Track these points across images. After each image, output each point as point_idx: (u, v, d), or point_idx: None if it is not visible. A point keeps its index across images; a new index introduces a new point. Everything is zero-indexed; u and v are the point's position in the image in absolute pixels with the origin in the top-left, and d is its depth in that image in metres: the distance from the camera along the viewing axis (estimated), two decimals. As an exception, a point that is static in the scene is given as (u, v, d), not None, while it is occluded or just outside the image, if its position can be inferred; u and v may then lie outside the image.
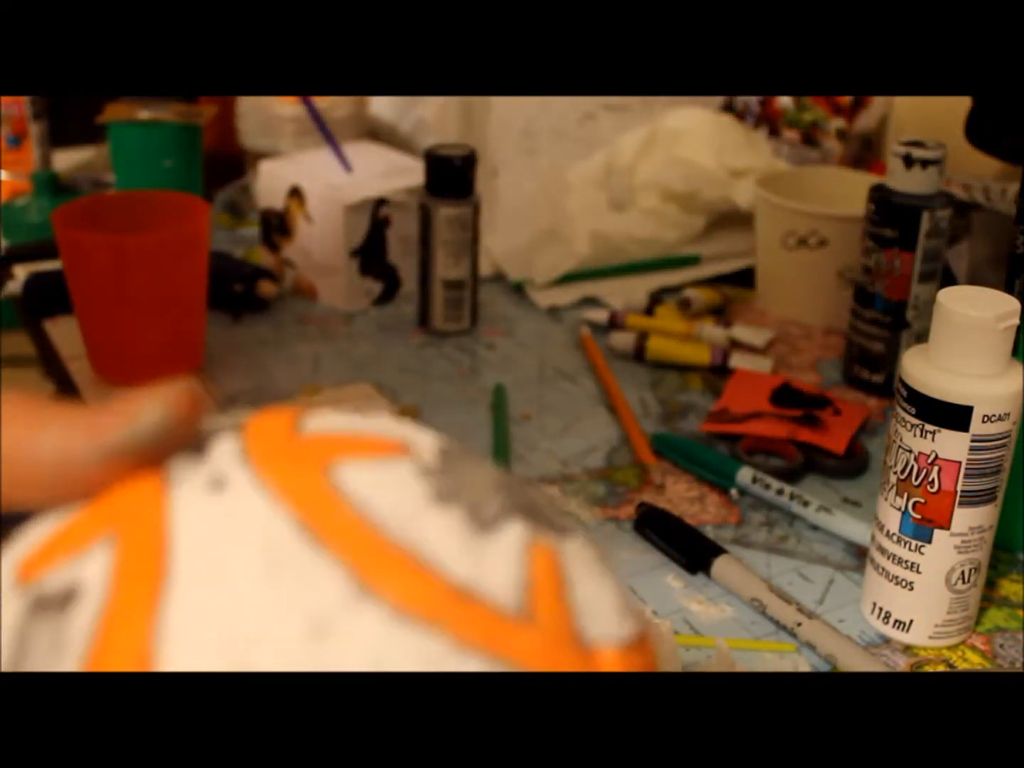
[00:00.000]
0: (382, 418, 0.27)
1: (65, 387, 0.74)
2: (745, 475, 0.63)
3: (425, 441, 0.26)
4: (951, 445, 0.48)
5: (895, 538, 0.51)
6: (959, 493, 0.49)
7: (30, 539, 0.24)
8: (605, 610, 0.24)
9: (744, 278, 0.91)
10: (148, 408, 0.24)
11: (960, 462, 0.49)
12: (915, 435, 0.49)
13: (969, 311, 0.48)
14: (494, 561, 0.23)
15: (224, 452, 0.24)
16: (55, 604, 0.22)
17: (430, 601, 0.22)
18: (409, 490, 0.24)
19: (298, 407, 0.26)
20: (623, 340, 0.79)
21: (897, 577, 0.51)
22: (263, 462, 0.24)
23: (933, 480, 0.49)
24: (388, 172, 0.87)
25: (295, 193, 0.85)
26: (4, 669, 0.21)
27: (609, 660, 0.23)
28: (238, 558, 0.22)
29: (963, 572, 0.51)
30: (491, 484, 0.25)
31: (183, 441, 0.24)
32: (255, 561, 0.22)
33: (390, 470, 0.24)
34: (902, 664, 0.51)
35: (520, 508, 0.25)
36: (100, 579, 0.22)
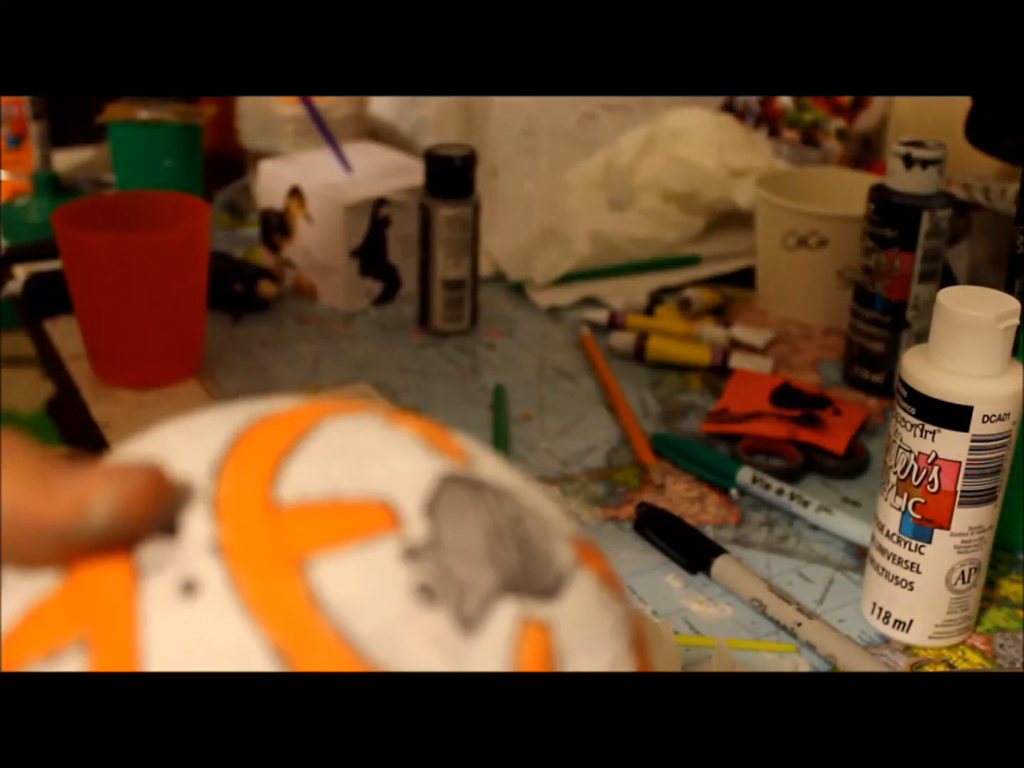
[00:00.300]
0: (365, 459, 0.25)
1: (65, 387, 0.74)
2: (745, 475, 0.63)
3: (410, 495, 0.25)
4: (951, 445, 0.48)
5: (895, 538, 0.51)
6: (959, 493, 0.49)
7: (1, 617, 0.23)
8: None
9: (744, 278, 0.91)
10: (98, 500, 0.22)
11: (960, 462, 0.49)
12: (915, 435, 0.49)
13: (969, 311, 0.48)
14: (483, 664, 0.22)
15: (196, 541, 0.23)
16: None
17: None
18: (390, 590, 0.23)
19: (272, 453, 0.25)
20: (623, 340, 0.79)
21: (897, 577, 0.51)
22: (237, 559, 0.23)
23: (933, 480, 0.49)
24: (388, 172, 0.87)
25: (295, 193, 0.85)
26: None
27: None
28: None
29: (963, 572, 0.51)
30: (479, 552, 0.24)
31: (141, 533, 0.23)
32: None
33: (370, 562, 0.23)
34: (902, 664, 0.51)
35: (510, 577, 0.24)
36: None
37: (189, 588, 0.22)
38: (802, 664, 0.51)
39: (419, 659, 0.22)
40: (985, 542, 0.51)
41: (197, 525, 0.23)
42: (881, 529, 0.52)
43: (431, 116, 1.06)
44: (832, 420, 0.69)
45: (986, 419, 0.48)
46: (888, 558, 0.52)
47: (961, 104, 0.80)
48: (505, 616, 0.23)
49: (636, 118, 1.01)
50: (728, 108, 1.09)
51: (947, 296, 0.49)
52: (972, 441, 0.48)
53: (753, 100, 1.08)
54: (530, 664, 0.23)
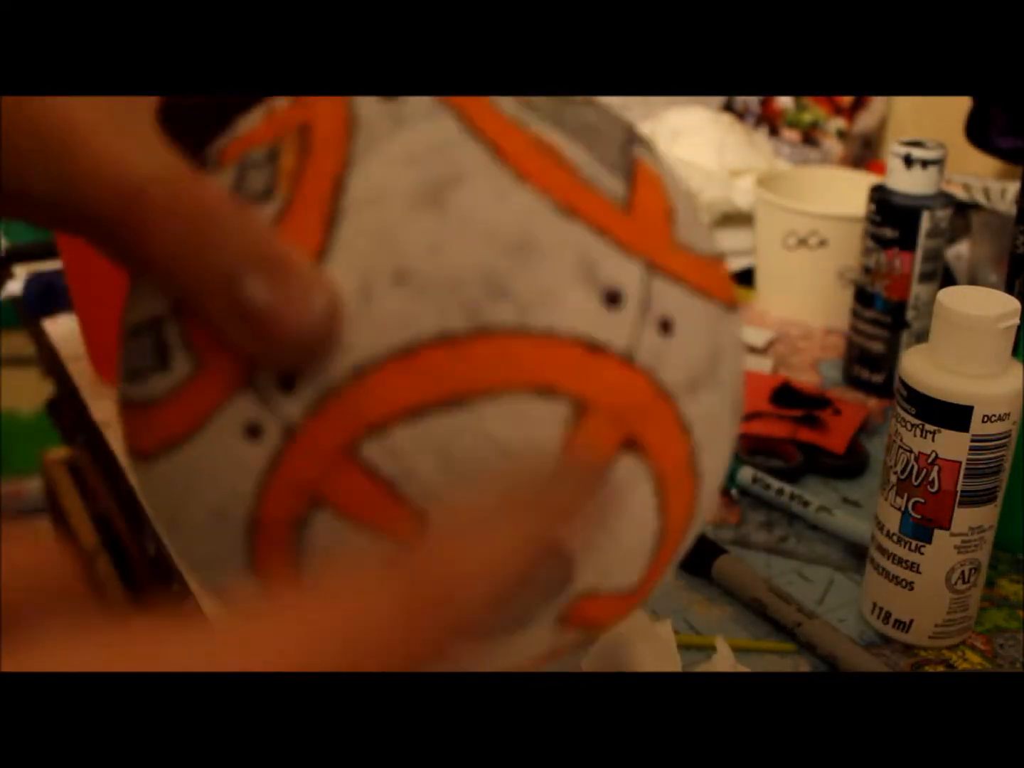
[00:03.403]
0: None
1: (65, 387, 0.74)
2: (745, 475, 0.63)
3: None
4: (951, 445, 0.48)
5: (895, 538, 0.51)
6: (959, 493, 0.49)
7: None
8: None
9: (744, 278, 0.91)
10: (321, 293, 0.22)
11: (960, 462, 0.49)
12: (915, 435, 0.49)
13: (969, 311, 0.48)
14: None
15: None
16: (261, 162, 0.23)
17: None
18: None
19: None
20: (623, 340, 0.79)
21: (897, 577, 0.51)
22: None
23: (933, 480, 0.49)
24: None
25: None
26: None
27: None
28: None
29: (963, 572, 0.51)
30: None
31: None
32: None
33: None
34: (902, 664, 0.51)
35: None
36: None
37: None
38: (802, 664, 0.51)
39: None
40: (985, 542, 0.51)
41: None
42: (881, 529, 0.52)
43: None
44: (832, 420, 0.69)
45: (986, 419, 0.48)
46: (888, 558, 0.52)
47: (961, 104, 0.80)
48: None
49: (636, 118, 1.01)
50: (728, 108, 1.09)
51: (947, 296, 0.49)
52: (972, 441, 0.48)
53: (753, 100, 1.08)
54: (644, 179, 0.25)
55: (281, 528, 0.22)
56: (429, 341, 0.22)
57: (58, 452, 0.99)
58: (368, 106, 0.23)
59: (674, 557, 0.27)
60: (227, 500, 0.23)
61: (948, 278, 0.85)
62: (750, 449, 0.68)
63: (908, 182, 0.70)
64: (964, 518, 0.50)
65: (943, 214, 0.71)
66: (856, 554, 0.59)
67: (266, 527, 0.23)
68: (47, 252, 0.87)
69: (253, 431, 0.22)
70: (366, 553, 0.20)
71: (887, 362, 0.74)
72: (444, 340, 0.22)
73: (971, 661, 0.52)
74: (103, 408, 0.71)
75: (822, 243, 0.82)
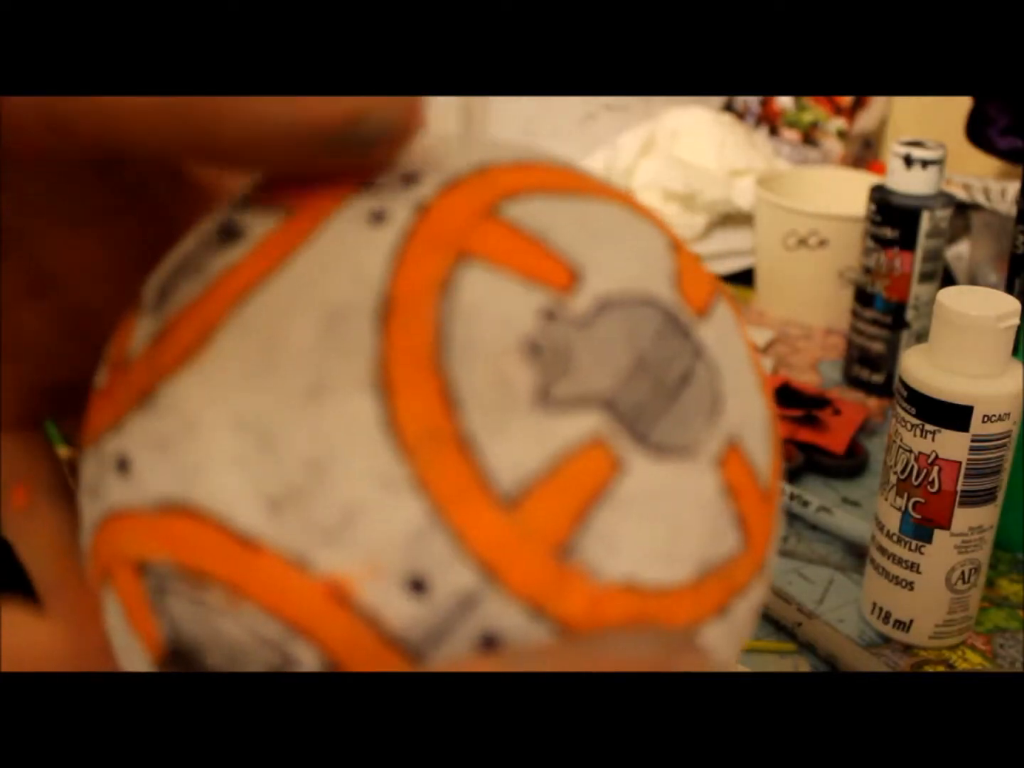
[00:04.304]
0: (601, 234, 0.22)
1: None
2: (745, 475, 0.63)
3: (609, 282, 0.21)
4: (951, 445, 0.48)
5: (895, 538, 0.51)
6: (959, 493, 0.49)
7: None
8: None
9: (744, 278, 0.90)
10: (377, 108, 0.21)
11: (960, 462, 0.49)
12: (915, 435, 0.49)
13: (969, 311, 0.48)
14: None
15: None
16: None
17: None
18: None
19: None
20: (623, 340, 0.79)
21: (897, 577, 0.51)
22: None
23: (933, 480, 0.49)
24: (388, 172, 0.87)
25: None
26: None
27: None
28: None
29: (963, 572, 0.51)
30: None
31: (400, 148, 0.22)
32: None
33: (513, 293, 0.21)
34: (902, 664, 0.51)
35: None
36: None
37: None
38: (802, 664, 0.51)
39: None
40: (985, 542, 0.51)
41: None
42: (881, 529, 0.52)
43: (431, 116, 1.06)
44: (832, 420, 0.69)
45: (986, 419, 0.48)
46: (888, 558, 0.52)
47: (961, 104, 0.80)
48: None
49: (636, 118, 1.01)
50: (728, 108, 1.09)
51: (947, 296, 0.49)
52: (972, 441, 0.48)
53: (753, 100, 1.08)
54: None
55: (421, 297, 0.20)
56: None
57: (60, 452, 0.99)
58: None
59: None
60: (350, 293, 0.21)
61: (948, 278, 0.85)
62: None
63: (908, 182, 0.70)
64: (964, 518, 0.50)
65: (943, 214, 0.71)
66: (856, 554, 0.59)
67: (403, 302, 0.20)
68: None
69: (378, 216, 0.21)
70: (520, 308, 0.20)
71: (887, 362, 0.74)
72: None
73: (971, 661, 0.52)
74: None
75: (822, 243, 0.82)
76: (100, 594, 0.22)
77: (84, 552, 0.23)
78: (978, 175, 0.84)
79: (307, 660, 0.19)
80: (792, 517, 0.62)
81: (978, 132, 0.84)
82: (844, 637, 0.51)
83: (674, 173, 0.95)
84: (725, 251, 0.94)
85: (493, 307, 0.20)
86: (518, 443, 0.19)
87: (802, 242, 0.83)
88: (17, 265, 0.25)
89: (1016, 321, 0.48)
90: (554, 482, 0.20)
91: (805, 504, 0.61)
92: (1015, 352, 0.50)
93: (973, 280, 0.82)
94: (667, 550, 0.21)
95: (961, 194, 0.81)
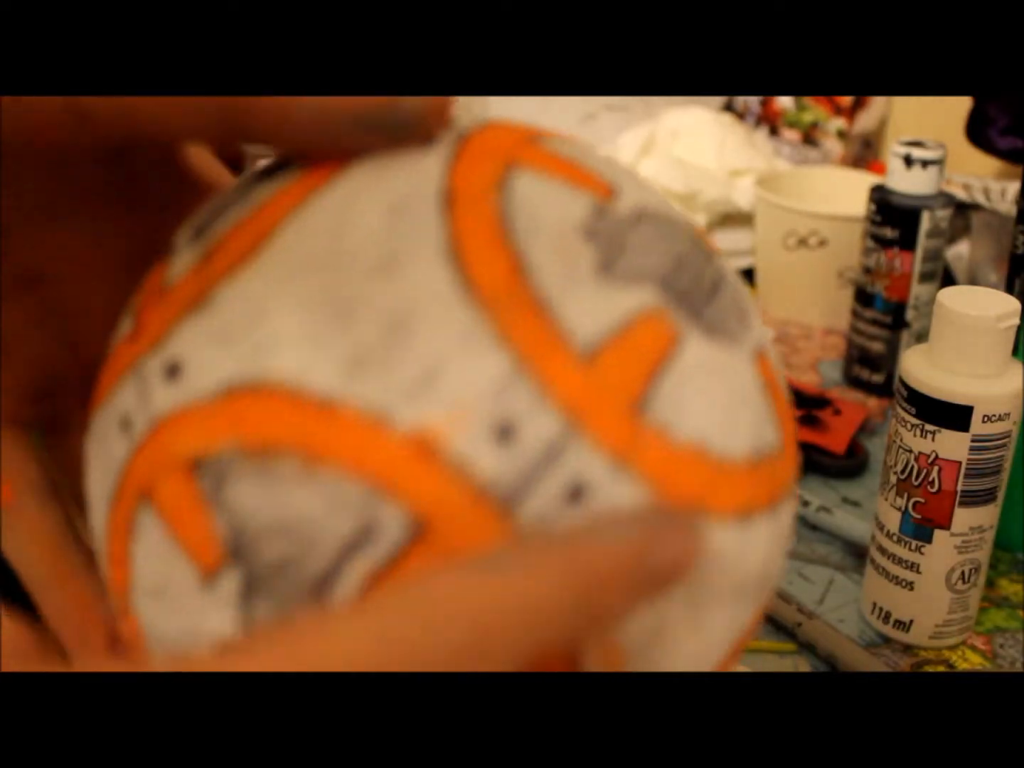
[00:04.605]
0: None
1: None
2: (745, 475, 0.63)
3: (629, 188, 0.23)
4: (951, 445, 0.48)
5: (895, 538, 0.51)
6: (959, 493, 0.49)
7: None
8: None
9: (744, 278, 0.91)
10: (409, 98, 0.22)
11: (960, 462, 0.49)
12: (915, 435, 0.49)
13: (969, 311, 0.48)
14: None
15: None
16: None
17: None
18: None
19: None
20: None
21: (897, 577, 0.51)
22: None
23: (933, 480, 0.49)
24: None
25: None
26: None
27: None
28: None
29: (963, 572, 0.51)
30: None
31: (431, 136, 0.23)
32: None
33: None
34: (902, 664, 0.51)
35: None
36: None
37: None
38: (802, 664, 0.51)
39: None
40: (985, 542, 0.51)
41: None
42: (881, 529, 0.52)
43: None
44: (832, 420, 0.69)
45: (986, 419, 0.48)
46: (888, 558, 0.52)
47: (961, 104, 0.80)
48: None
49: (636, 118, 1.01)
50: (728, 108, 1.09)
51: (947, 296, 0.49)
52: (972, 441, 0.48)
53: (753, 100, 1.08)
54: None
55: (479, 192, 0.21)
56: None
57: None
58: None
59: None
60: (412, 187, 0.21)
61: (948, 278, 0.85)
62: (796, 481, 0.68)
63: (908, 182, 0.70)
64: (964, 518, 0.50)
65: (943, 214, 0.71)
66: (856, 554, 0.59)
67: (463, 194, 0.21)
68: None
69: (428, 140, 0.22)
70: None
71: (887, 362, 0.74)
72: None
73: (971, 661, 0.52)
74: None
75: (822, 243, 0.82)
76: (132, 529, 0.21)
77: (105, 499, 0.22)
78: (978, 175, 0.84)
79: (392, 522, 0.19)
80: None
81: (978, 132, 0.84)
82: (844, 637, 0.51)
83: (674, 173, 0.95)
84: (725, 251, 0.94)
85: (548, 203, 0.21)
86: (588, 306, 0.20)
87: (802, 242, 0.83)
88: (4, 260, 0.25)
89: (1016, 321, 0.48)
90: (624, 343, 0.20)
91: (805, 504, 0.61)
92: (1015, 352, 0.50)
93: (973, 280, 0.82)
94: (728, 421, 0.21)
95: (961, 194, 0.81)
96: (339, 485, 0.19)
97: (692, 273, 0.22)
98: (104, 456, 0.22)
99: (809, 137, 1.05)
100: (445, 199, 0.21)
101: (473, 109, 1.02)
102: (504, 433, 0.19)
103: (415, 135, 0.22)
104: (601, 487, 0.19)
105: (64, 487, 0.27)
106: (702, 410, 0.21)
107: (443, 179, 0.21)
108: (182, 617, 0.20)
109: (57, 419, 0.27)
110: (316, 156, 0.23)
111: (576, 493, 0.19)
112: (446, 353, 0.19)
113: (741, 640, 0.23)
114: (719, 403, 0.21)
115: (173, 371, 0.21)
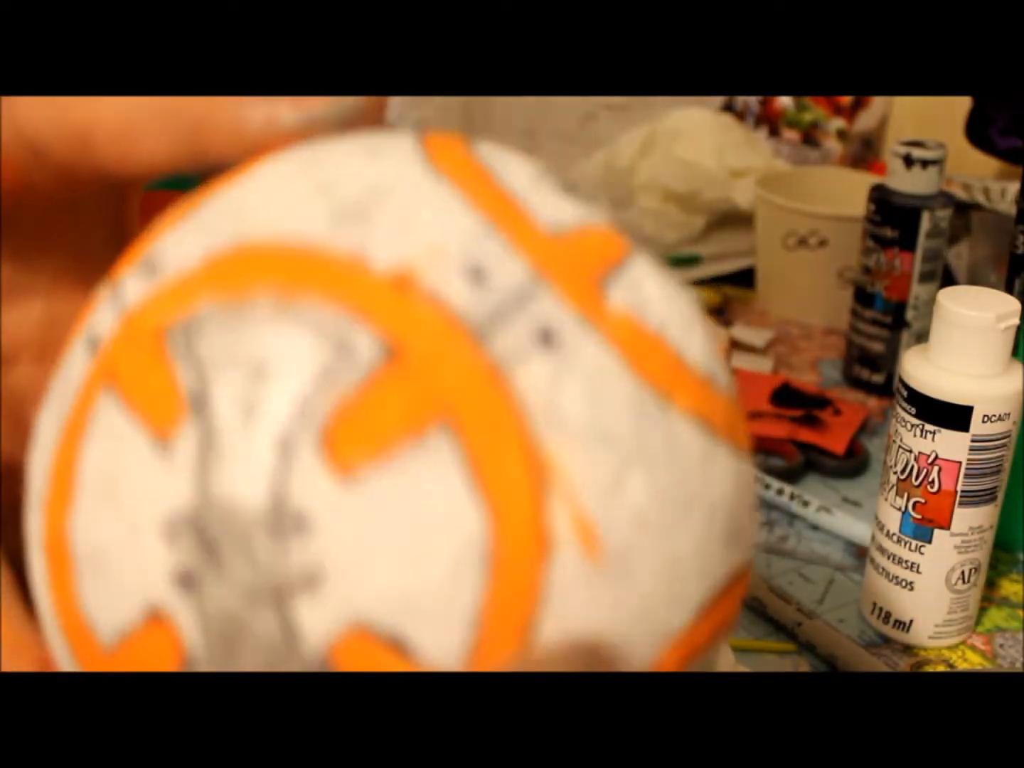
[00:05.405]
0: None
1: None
2: (745, 475, 0.63)
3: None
4: (951, 445, 0.48)
5: (895, 538, 0.51)
6: (959, 493, 0.49)
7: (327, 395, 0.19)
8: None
9: (744, 278, 0.91)
10: (349, 97, 0.24)
11: (960, 462, 0.49)
12: (915, 435, 0.49)
13: (969, 311, 0.48)
14: None
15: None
16: None
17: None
18: None
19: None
20: (623, 340, 0.79)
21: (897, 577, 0.51)
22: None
23: (933, 480, 0.49)
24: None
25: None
26: None
27: None
28: None
29: (963, 572, 0.51)
30: None
31: (374, 125, 0.24)
32: None
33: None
34: (902, 664, 0.51)
35: None
36: None
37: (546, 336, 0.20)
38: (802, 664, 0.51)
39: None
40: (985, 542, 0.51)
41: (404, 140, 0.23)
42: (881, 529, 0.52)
43: (431, 116, 1.06)
44: (832, 420, 0.69)
45: (986, 419, 0.48)
46: (888, 558, 0.52)
47: (961, 104, 0.80)
48: None
49: (636, 118, 1.01)
50: (728, 108, 1.09)
51: (947, 296, 0.49)
52: (972, 441, 0.48)
53: (753, 100, 1.08)
54: None
55: (450, 141, 0.23)
56: None
57: None
58: None
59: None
60: (383, 139, 0.23)
61: (948, 278, 0.85)
62: (750, 449, 0.68)
63: (908, 182, 0.70)
64: (964, 518, 0.50)
65: (943, 214, 0.71)
66: (856, 554, 0.59)
67: (433, 143, 0.23)
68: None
69: None
70: None
71: (887, 362, 0.74)
72: None
73: (971, 661, 0.52)
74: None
75: (822, 243, 0.82)
76: (85, 425, 0.21)
77: (57, 422, 0.21)
78: (978, 175, 0.84)
79: (364, 345, 0.19)
80: (792, 517, 0.62)
81: (978, 132, 0.84)
82: (844, 637, 0.51)
83: (674, 173, 0.95)
84: (725, 251, 0.94)
85: (509, 157, 0.23)
86: (552, 206, 0.21)
87: (802, 242, 0.83)
88: None
89: (1016, 321, 0.48)
90: (586, 234, 0.21)
91: (805, 504, 0.61)
92: (1015, 352, 0.50)
93: (973, 280, 0.82)
94: (686, 327, 0.22)
95: (961, 194, 0.81)
96: (313, 315, 0.19)
97: (633, 231, 0.23)
98: (62, 383, 0.21)
99: (809, 137, 1.05)
100: (418, 139, 0.22)
101: (474, 109, 1.02)
102: (476, 274, 0.20)
103: (360, 124, 0.24)
104: (571, 337, 0.20)
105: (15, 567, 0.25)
106: (661, 308, 0.22)
107: (414, 134, 0.23)
108: (130, 506, 0.19)
109: (15, 503, 0.25)
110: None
111: (546, 337, 0.20)
112: (422, 212, 0.20)
113: (718, 599, 0.23)
114: (675, 312, 0.22)
115: (150, 268, 0.21)
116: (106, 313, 0.21)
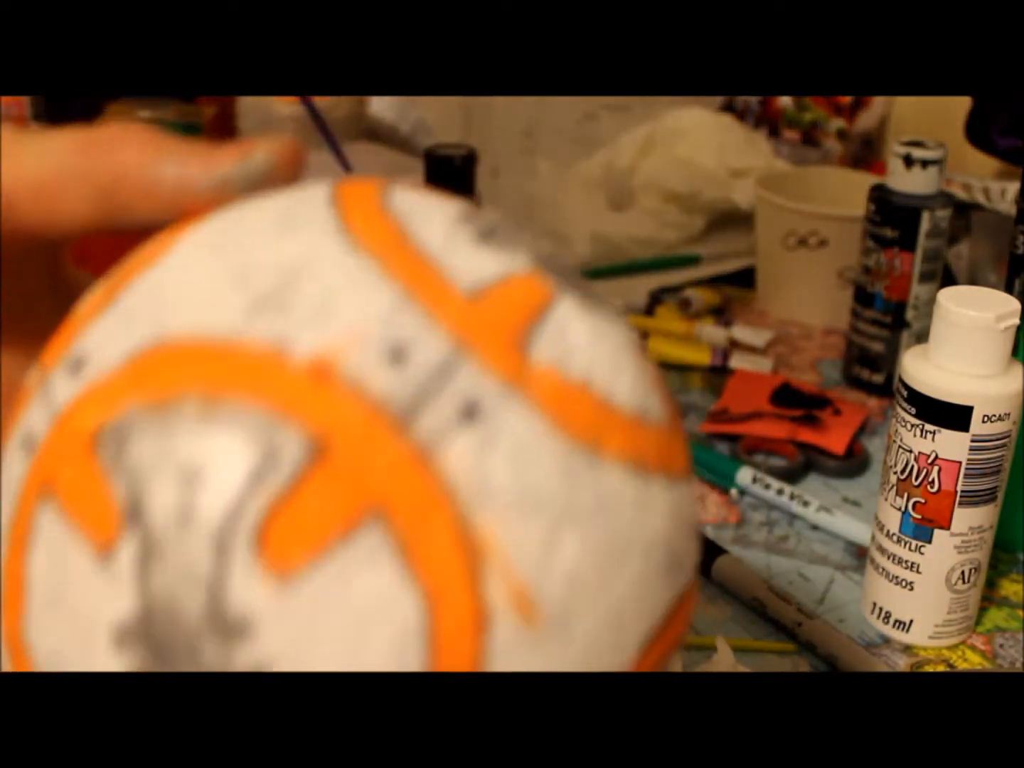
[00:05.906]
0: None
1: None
2: (745, 475, 0.63)
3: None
4: (951, 445, 0.48)
5: (895, 538, 0.51)
6: (959, 493, 0.49)
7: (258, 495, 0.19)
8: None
9: (744, 278, 0.90)
10: (260, 148, 0.24)
11: (960, 462, 0.49)
12: (915, 435, 0.49)
13: (969, 311, 0.48)
14: None
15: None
16: None
17: None
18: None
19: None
20: (623, 340, 0.79)
21: (897, 577, 0.51)
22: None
23: (933, 480, 0.49)
24: (388, 172, 0.87)
25: (295, 193, 0.84)
26: None
27: None
28: None
29: (963, 572, 0.51)
30: None
31: (286, 183, 0.25)
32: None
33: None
34: (902, 664, 0.51)
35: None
36: None
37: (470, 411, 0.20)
38: (802, 664, 0.51)
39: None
40: (985, 542, 0.51)
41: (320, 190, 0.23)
42: (881, 529, 0.52)
43: (431, 116, 1.06)
44: (832, 420, 0.69)
45: (986, 419, 0.48)
46: (888, 558, 0.52)
47: (961, 104, 0.80)
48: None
49: (636, 118, 1.01)
50: (728, 108, 1.09)
51: (947, 296, 0.49)
52: (972, 441, 0.48)
53: (753, 100, 1.08)
54: None
55: (363, 194, 0.23)
56: None
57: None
58: None
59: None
60: (297, 200, 0.23)
61: (948, 278, 0.85)
62: (750, 449, 0.68)
63: (908, 182, 0.70)
64: (964, 518, 0.50)
65: (943, 214, 0.71)
66: (856, 554, 0.59)
67: (347, 197, 0.23)
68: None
69: None
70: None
71: (887, 362, 0.74)
72: None
73: (971, 661, 0.52)
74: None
75: (822, 243, 0.82)
76: (30, 532, 0.21)
77: (6, 522, 0.22)
78: (978, 175, 0.84)
79: (291, 445, 0.19)
80: (792, 517, 0.62)
81: (978, 132, 0.84)
82: (844, 637, 0.51)
83: (674, 173, 0.95)
84: (725, 251, 0.94)
85: (425, 201, 0.23)
86: (469, 262, 0.22)
87: (802, 242, 0.83)
88: None
89: (1016, 321, 0.48)
90: (505, 289, 0.21)
91: (805, 504, 0.61)
92: (1015, 352, 0.50)
93: (973, 280, 0.82)
94: (613, 370, 0.22)
95: (961, 194, 0.81)
96: (238, 416, 0.19)
97: (561, 261, 0.23)
98: (4, 487, 0.22)
99: (809, 137, 1.05)
100: (331, 200, 0.23)
101: (474, 109, 1.01)
102: (396, 355, 0.20)
103: (272, 182, 0.24)
104: (495, 407, 0.20)
105: None
106: (586, 355, 0.22)
107: (328, 190, 0.23)
108: (79, 615, 0.20)
109: None
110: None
111: (469, 412, 0.20)
112: (339, 292, 0.20)
113: (663, 627, 0.23)
114: (602, 353, 0.22)
115: (77, 365, 0.21)
116: (39, 412, 0.22)
